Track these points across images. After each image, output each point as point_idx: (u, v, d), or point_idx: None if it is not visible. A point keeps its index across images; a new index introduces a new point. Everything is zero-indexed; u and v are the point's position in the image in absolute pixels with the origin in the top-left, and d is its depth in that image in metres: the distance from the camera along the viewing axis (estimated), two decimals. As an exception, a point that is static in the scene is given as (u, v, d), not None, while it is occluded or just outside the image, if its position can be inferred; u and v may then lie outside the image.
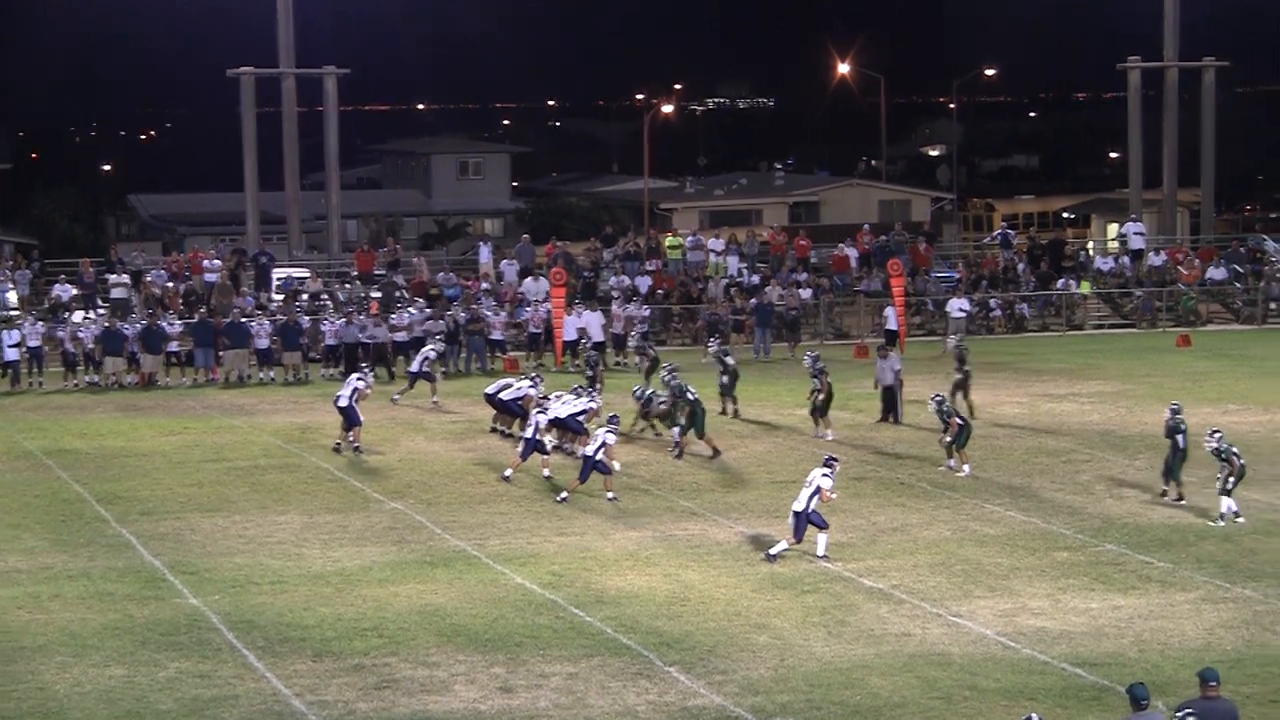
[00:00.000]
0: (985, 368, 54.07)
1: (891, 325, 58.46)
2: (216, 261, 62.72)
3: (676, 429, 40.31)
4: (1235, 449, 33.00)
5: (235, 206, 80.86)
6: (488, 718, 22.66)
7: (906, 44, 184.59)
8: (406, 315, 55.13)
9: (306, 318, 56.41)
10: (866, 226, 73.39)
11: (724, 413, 44.63)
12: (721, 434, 41.06)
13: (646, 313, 58.60)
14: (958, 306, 61.51)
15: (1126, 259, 69.84)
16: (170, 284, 60.97)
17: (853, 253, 67.67)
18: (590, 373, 46.53)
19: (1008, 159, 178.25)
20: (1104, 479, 37.06)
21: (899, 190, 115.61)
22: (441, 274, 63.07)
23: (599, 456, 34.67)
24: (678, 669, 24.36)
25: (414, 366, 48.48)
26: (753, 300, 60.48)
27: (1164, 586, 28.50)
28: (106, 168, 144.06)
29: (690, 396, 40.02)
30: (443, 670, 24.40)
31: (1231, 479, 32.62)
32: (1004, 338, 63.71)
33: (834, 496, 30.48)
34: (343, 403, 40.38)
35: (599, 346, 54.90)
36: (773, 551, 30.19)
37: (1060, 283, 67.29)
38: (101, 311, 58.17)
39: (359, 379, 41.14)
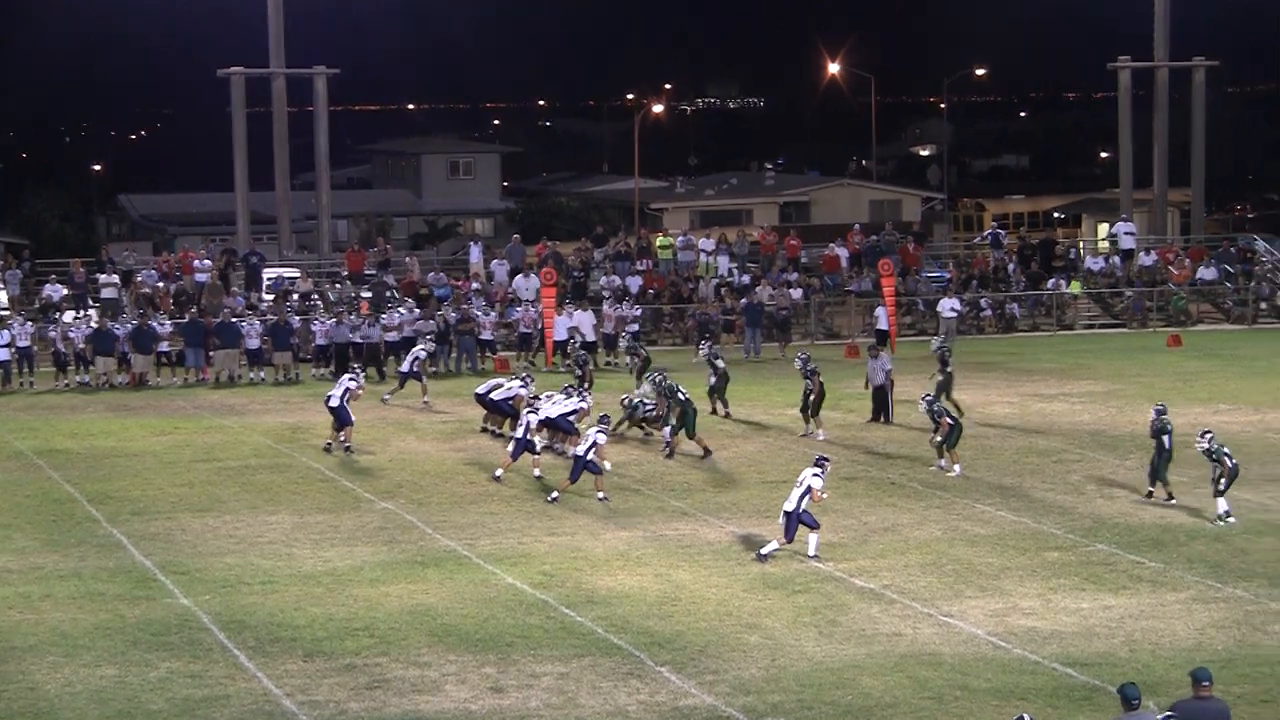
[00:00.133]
0: (976, 368, 54.18)
1: (882, 325, 58.52)
2: (207, 261, 62.66)
3: (668, 429, 40.32)
4: (1227, 450, 33.03)
5: (225, 206, 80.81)
6: (479, 718, 22.65)
7: (897, 44, 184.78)
8: (397, 315, 55.11)
9: (297, 318, 56.39)
10: (857, 226, 73.36)
11: (714, 412, 44.64)
12: (712, 434, 41.07)
13: (638, 313, 58.63)
14: (949, 306, 61.54)
15: (1117, 259, 69.92)
16: (161, 284, 60.92)
17: (843, 253, 67.67)
18: (579, 372, 46.55)
19: (998, 159, 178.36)
20: (1094, 479, 37.09)
21: (889, 190, 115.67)
22: (432, 274, 63.04)
23: (590, 456, 34.66)
24: (669, 669, 24.35)
25: (404, 366, 48.50)
26: (743, 300, 60.47)
27: (1155, 586, 28.52)
28: (97, 167, 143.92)
29: (681, 396, 40.02)
30: (434, 670, 24.39)
31: (1223, 480, 32.65)
32: (994, 337, 63.79)
33: (825, 496, 30.49)
34: (334, 403, 40.37)
35: (588, 346, 54.89)
36: (764, 551, 30.19)
37: (1051, 283, 67.35)
38: (92, 311, 58.14)
39: (350, 379, 41.13)
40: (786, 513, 29.89)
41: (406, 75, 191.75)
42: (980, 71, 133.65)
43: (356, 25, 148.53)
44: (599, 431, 35.08)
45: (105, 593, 28.52)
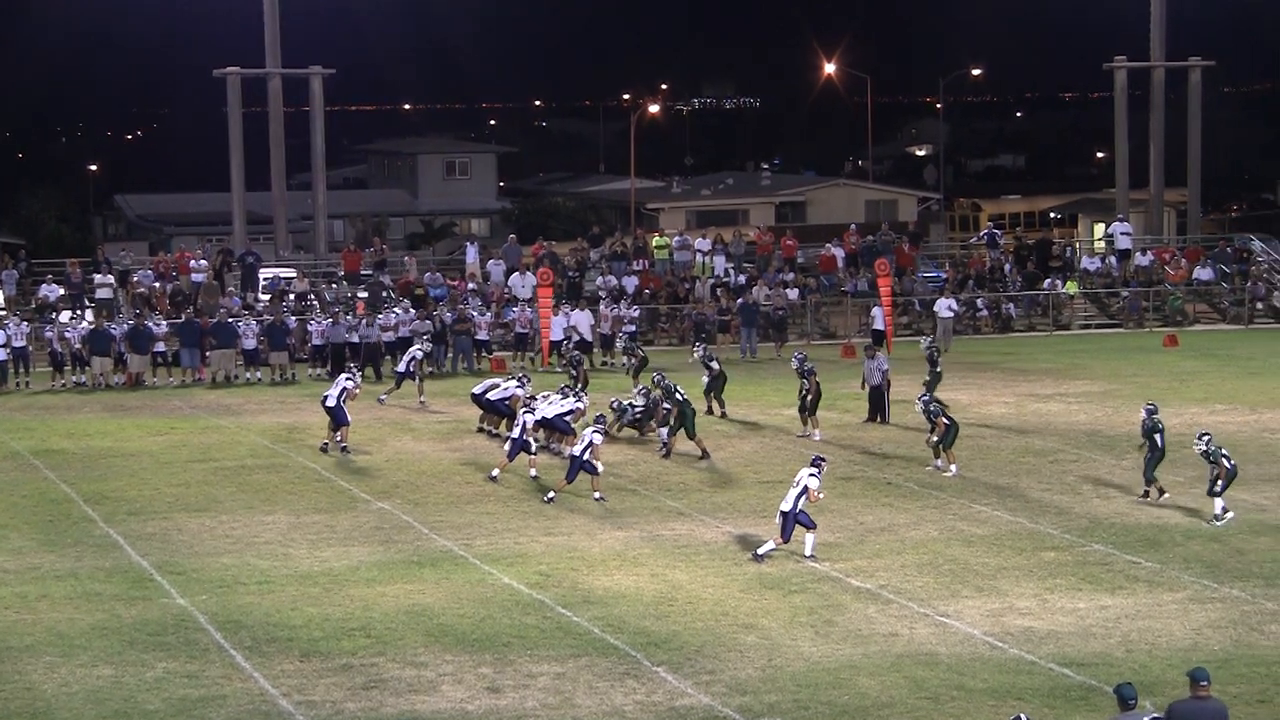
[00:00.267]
0: (972, 368, 54.26)
1: (879, 325, 58.49)
2: (203, 261, 62.65)
3: (664, 429, 40.32)
4: (1225, 451, 33.05)
5: (222, 206, 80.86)
6: (475, 718, 22.65)
7: (893, 44, 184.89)
8: (393, 316, 55.11)
9: (293, 318, 56.40)
10: (853, 226, 73.40)
11: (710, 412, 44.61)
12: (709, 434, 41.05)
13: (636, 313, 58.64)
14: (946, 306, 61.53)
15: (1113, 259, 69.95)
16: (157, 284, 60.91)
17: (839, 253, 67.66)
18: (574, 373, 46.56)
19: (994, 159, 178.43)
20: (1090, 479, 37.10)
21: (886, 190, 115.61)
22: (428, 274, 63.04)
23: (586, 456, 34.66)
24: (665, 669, 24.36)
25: (400, 367, 48.50)
26: (739, 300, 60.46)
27: (1151, 586, 28.53)
28: (93, 167, 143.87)
29: (679, 397, 40.02)
30: (430, 670, 24.39)
31: (1220, 481, 32.67)
32: (991, 338, 63.82)
33: (821, 496, 30.48)
34: (331, 403, 40.36)
35: (583, 346, 54.92)
36: (760, 551, 30.19)
37: (1047, 283, 67.38)
38: (88, 311, 58.13)
39: (347, 379, 41.12)
40: (783, 513, 29.89)
41: (402, 75, 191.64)
42: (976, 71, 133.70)
43: (352, 25, 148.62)
44: (595, 432, 35.08)
45: (102, 593, 28.52)
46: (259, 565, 30.25)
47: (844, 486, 36.10)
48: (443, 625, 26.47)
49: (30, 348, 53.08)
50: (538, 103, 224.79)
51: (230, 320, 54.54)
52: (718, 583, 28.88)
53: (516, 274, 61.88)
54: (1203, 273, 68.58)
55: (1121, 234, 71.09)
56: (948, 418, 37.88)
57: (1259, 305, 67.74)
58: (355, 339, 53.99)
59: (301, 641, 25.69)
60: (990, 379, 52.18)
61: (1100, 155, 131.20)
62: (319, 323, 54.79)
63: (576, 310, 56.60)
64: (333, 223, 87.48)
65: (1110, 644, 25.40)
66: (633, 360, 49.00)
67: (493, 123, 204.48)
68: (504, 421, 41.30)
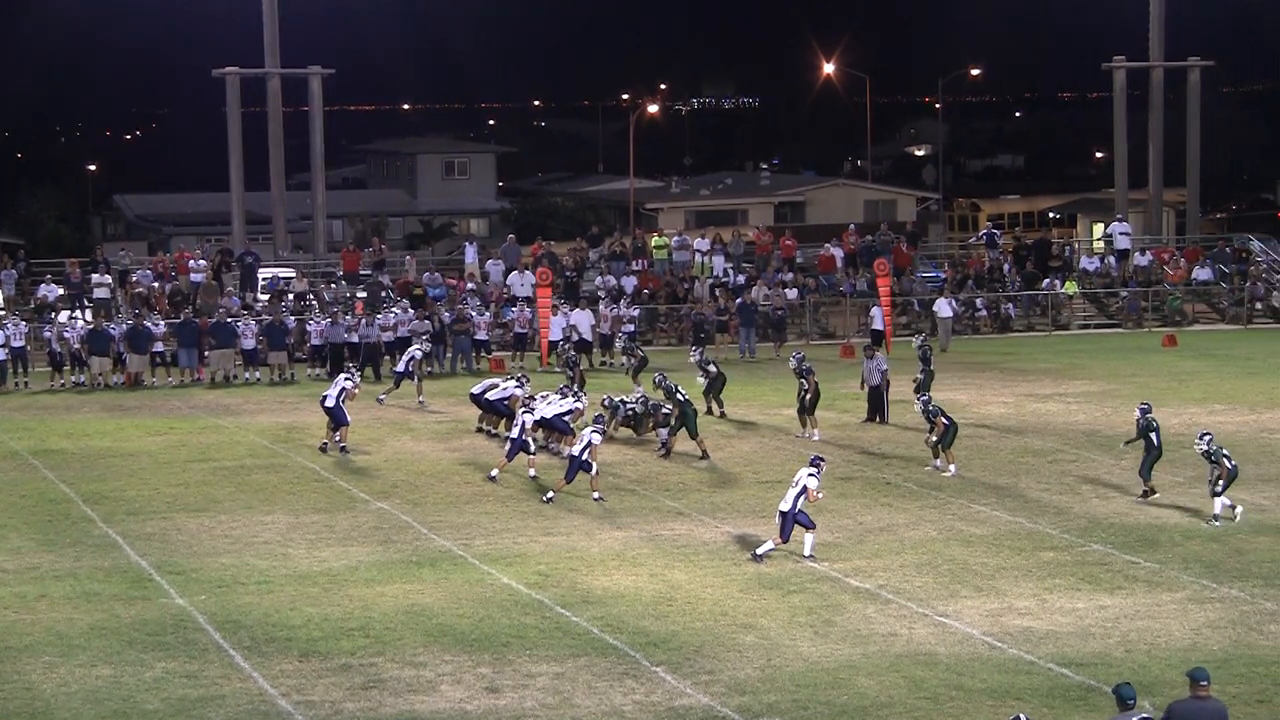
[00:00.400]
0: (971, 368, 54.28)
1: (878, 325, 58.50)
2: (202, 261, 62.65)
3: (664, 429, 40.31)
4: (1226, 451, 33.05)
5: (221, 206, 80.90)
6: (474, 718, 22.65)
7: (892, 44, 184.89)
8: (392, 315, 55.10)
9: (292, 318, 56.39)
10: (852, 226, 73.41)
11: (709, 412, 44.59)
12: (708, 433, 41.01)
13: (636, 312, 58.63)
14: (945, 306, 61.50)
15: (1112, 259, 69.95)
16: (156, 284, 60.91)
17: (838, 253, 67.66)
18: (570, 373, 46.54)
19: (993, 159, 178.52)
20: (1089, 479, 37.10)
21: (885, 190, 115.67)
22: (427, 274, 63.03)
23: (585, 456, 34.66)
24: (664, 669, 24.36)
25: (399, 366, 48.48)
26: (738, 300, 60.45)
27: (1150, 586, 28.53)
28: (92, 168, 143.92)
29: (681, 397, 40.01)
30: (429, 670, 24.39)
31: (1222, 481, 32.67)
32: (990, 337, 63.82)
33: (820, 496, 30.47)
34: (330, 403, 40.35)
35: (584, 346, 54.94)
36: (759, 551, 30.19)
37: (1046, 283, 67.38)
38: (87, 312, 58.12)
39: (346, 379, 41.09)
40: (782, 513, 29.89)
41: (401, 75, 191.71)
42: (975, 71, 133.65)
43: (352, 25, 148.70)
44: (594, 432, 35.07)
45: (101, 593, 28.51)
46: (258, 565, 30.25)
47: (843, 486, 36.10)
48: (442, 625, 26.47)
49: (29, 348, 53.07)
50: (537, 103, 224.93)
51: (229, 320, 54.53)
52: (717, 583, 28.88)
53: (515, 273, 61.89)
54: (1202, 273, 68.60)
55: (1120, 234, 71.12)
56: (946, 418, 37.88)
57: (1258, 305, 67.75)
58: (354, 339, 53.98)
59: (300, 641, 25.69)
60: (989, 379, 52.19)
61: (1099, 155, 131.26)
62: (318, 323, 54.78)
63: (577, 310, 56.58)
64: (332, 223, 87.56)
65: (1109, 644, 25.40)
66: (632, 360, 48.98)
67: (492, 123, 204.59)
68: (503, 421, 41.29)
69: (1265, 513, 33.68)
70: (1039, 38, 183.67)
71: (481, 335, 56.37)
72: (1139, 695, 18.74)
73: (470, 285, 61.54)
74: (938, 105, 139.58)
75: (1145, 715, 18.36)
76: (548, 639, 25.78)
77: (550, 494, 35.12)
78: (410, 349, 49.06)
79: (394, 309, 55.80)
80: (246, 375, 53.73)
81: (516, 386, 41.38)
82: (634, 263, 65.62)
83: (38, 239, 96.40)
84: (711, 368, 45.50)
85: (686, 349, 53.59)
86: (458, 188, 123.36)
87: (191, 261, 62.59)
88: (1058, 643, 25.43)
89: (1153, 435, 34.68)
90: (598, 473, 35.18)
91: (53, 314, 57.19)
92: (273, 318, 55.02)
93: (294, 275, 64.34)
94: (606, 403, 42.11)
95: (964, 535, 32.16)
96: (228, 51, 71.07)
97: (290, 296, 60.69)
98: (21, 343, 52.58)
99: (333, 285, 62.60)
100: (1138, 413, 35.34)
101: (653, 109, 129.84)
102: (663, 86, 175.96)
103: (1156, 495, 34.60)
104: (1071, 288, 68.01)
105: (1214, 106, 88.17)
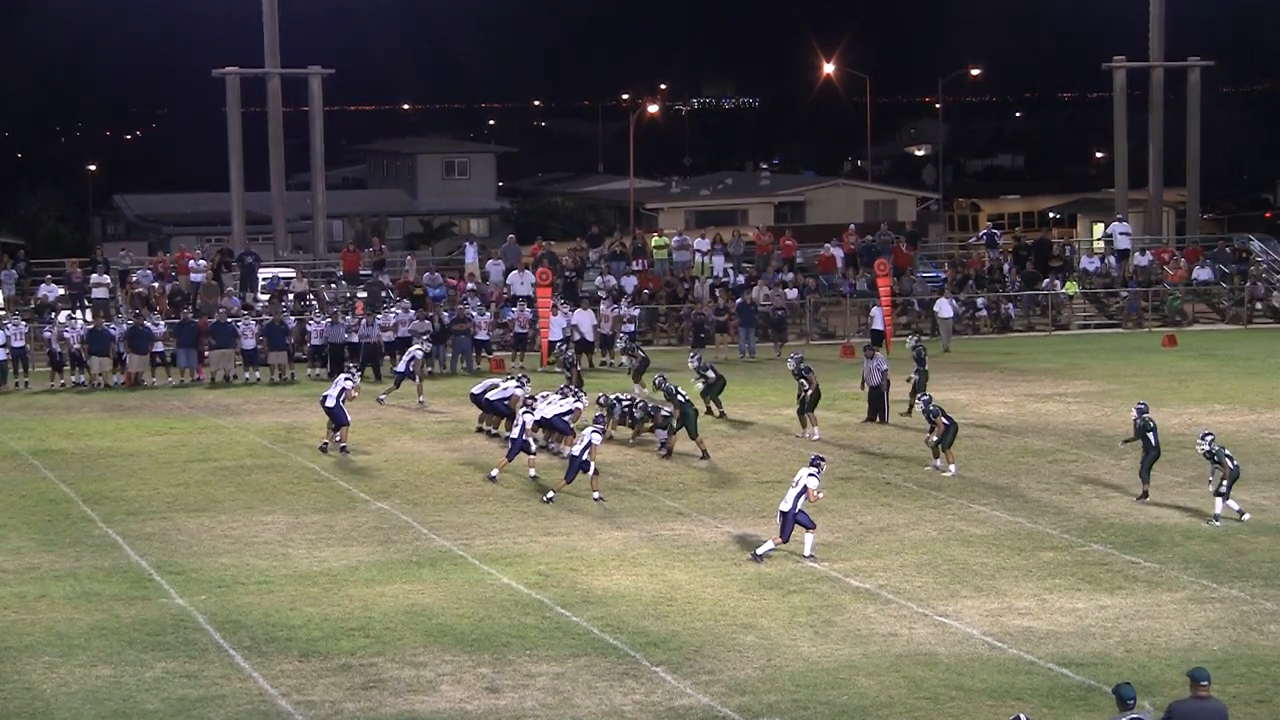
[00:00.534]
0: (971, 367, 54.28)
1: (878, 325, 58.48)
2: (202, 261, 62.65)
3: (663, 430, 40.30)
4: (1228, 451, 33.04)
5: (221, 206, 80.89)
6: (474, 718, 22.65)
7: (892, 43, 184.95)
8: (392, 315, 55.09)
9: (292, 318, 56.38)
10: (852, 226, 73.38)
11: (709, 412, 44.57)
12: (707, 434, 41.01)
13: (636, 312, 58.62)
14: (945, 306, 61.47)
15: (1112, 259, 69.94)
16: (156, 284, 60.90)
17: (838, 253, 67.63)
18: (568, 373, 46.52)
19: (993, 159, 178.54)
20: (1089, 479, 37.10)
21: (885, 190, 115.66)
22: (427, 274, 63.02)
23: (585, 456, 34.65)
24: (664, 669, 24.36)
25: (399, 366, 48.49)
26: (738, 300, 60.42)
27: (1150, 586, 28.53)
28: (92, 168, 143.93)
29: (681, 398, 40.00)
30: (429, 670, 24.39)
31: (1225, 481, 32.67)
32: (990, 337, 63.81)
33: (820, 496, 30.46)
34: (330, 403, 40.34)
35: (585, 346, 54.95)
36: (759, 551, 30.19)
37: (1046, 283, 67.37)
38: (87, 312, 58.12)
39: (346, 379, 41.09)
40: (782, 513, 29.89)
41: (401, 75, 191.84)
42: (975, 71, 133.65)
43: (352, 26, 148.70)
44: (594, 432, 35.06)
45: (101, 593, 28.51)
46: (258, 565, 30.25)
47: (843, 486, 36.10)
48: (442, 625, 26.47)
49: (29, 348, 53.07)
50: (537, 103, 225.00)
51: (229, 320, 54.51)
52: (717, 583, 28.88)
53: (515, 272, 61.90)
54: (1202, 273, 68.59)
55: (1120, 234, 71.10)
56: (947, 418, 37.86)
57: (1258, 305, 67.73)
58: (354, 339, 53.98)
59: (300, 641, 25.69)
60: (989, 379, 52.18)
61: (1099, 155, 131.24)
62: (318, 323, 54.77)
63: (579, 310, 56.56)
64: (332, 223, 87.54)
65: (1109, 644, 25.40)
66: (633, 361, 48.95)
67: (492, 123, 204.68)
68: (503, 421, 41.30)
69: (1265, 513, 33.67)
70: (1039, 38, 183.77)
71: (482, 335, 56.36)
72: (1139, 695, 18.74)
73: (470, 285, 61.52)
74: (938, 105, 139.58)
75: (1145, 715, 18.35)
76: (548, 639, 25.78)
77: (550, 494, 35.12)
78: (410, 349, 49.04)
79: (394, 309, 55.79)
80: (246, 375, 53.72)
81: (517, 386, 41.39)
82: (634, 263, 65.60)
83: (38, 239, 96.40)
84: (710, 373, 45.31)
85: (687, 349, 53.61)
86: (458, 188, 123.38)
87: (191, 261, 62.58)
88: (1058, 643, 25.43)
89: (1150, 435, 34.68)
90: (597, 473, 35.20)
91: (53, 314, 57.17)
92: (273, 318, 55.02)
93: (294, 275, 64.32)
94: (602, 400, 42.10)
95: (964, 535, 32.16)
96: (228, 51, 71.12)
97: (290, 296, 60.66)
98: (22, 343, 52.57)
99: (333, 285, 62.57)
100: (1135, 412, 35.35)
101: (653, 109, 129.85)
102: (663, 86, 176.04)
103: (1148, 498, 34.58)
104: (1072, 288, 68.00)
105: (1214, 106, 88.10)
